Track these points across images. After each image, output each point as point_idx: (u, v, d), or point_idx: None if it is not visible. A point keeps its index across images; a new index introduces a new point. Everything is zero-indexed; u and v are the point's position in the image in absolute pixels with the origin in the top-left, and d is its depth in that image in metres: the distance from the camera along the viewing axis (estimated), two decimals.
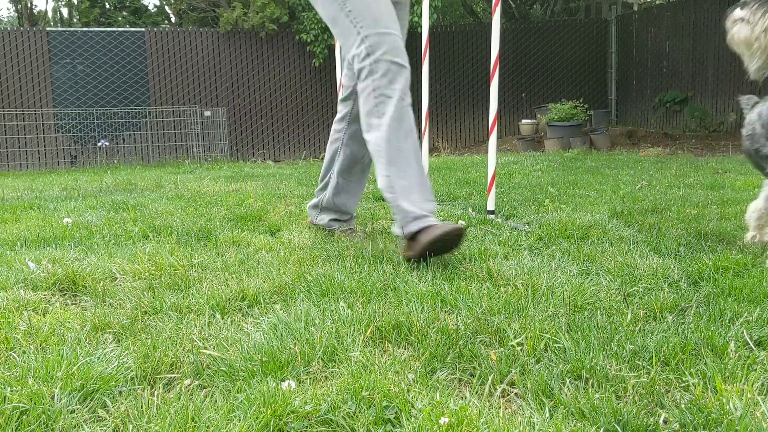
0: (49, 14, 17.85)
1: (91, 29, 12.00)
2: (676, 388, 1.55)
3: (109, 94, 11.68)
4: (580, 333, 1.85)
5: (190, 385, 1.67)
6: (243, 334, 1.98)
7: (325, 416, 1.46)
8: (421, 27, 9.99)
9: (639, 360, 1.68)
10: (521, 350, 1.77)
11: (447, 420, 1.37)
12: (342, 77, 3.50)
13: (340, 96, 3.49)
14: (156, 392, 1.60)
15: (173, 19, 17.55)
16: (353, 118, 3.39)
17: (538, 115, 12.50)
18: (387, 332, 1.93)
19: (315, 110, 12.61)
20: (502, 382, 1.62)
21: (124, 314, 2.23)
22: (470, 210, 4.50)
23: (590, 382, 1.58)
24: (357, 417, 1.45)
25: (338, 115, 3.49)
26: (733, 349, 1.72)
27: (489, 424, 1.39)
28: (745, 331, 1.85)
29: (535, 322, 1.93)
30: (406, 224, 2.78)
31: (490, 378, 1.63)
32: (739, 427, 1.34)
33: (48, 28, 11.80)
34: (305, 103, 12.58)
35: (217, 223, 4.11)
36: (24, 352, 1.86)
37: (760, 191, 3.05)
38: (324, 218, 3.63)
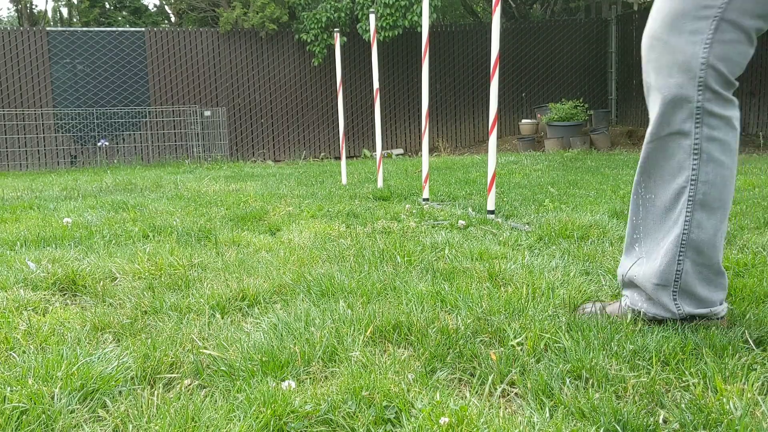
0: (49, 14, 17.87)
1: (91, 29, 11.99)
2: (676, 388, 1.55)
3: (109, 94, 11.68)
4: (580, 333, 1.84)
5: (190, 385, 1.67)
6: (243, 334, 1.98)
7: (325, 416, 1.46)
8: (421, 27, 10.00)
9: (639, 360, 1.68)
10: (521, 350, 1.77)
11: (447, 420, 1.37)
12: None
13: None
14: (156, 392, 1.60)
15: (173, 19, 17.56)
16: None
17: (538, 115, 12.50)
18: (387, 332, 1.93)
19: (315, 110, 12.61)
20: (502, 382, 1.62)
21: (124, 314, 2.23)
22: (470, 210, 4.50)
23: (590, 382, 1.58)
24: (357, 417, 1.45)
25: None
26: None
27: (489, 424, 1.39)
28: (745, 330, 1.85)
29: (535, 322, 1.93)
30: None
31: (490, 378, 1.63)
32: (739, 427, 1.34)
33: (48, 28, 11.79)
34: (305, 103, 12.58)
35: (217, 223, 4.11)
36: (24, 352, 1.86)
37: None
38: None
